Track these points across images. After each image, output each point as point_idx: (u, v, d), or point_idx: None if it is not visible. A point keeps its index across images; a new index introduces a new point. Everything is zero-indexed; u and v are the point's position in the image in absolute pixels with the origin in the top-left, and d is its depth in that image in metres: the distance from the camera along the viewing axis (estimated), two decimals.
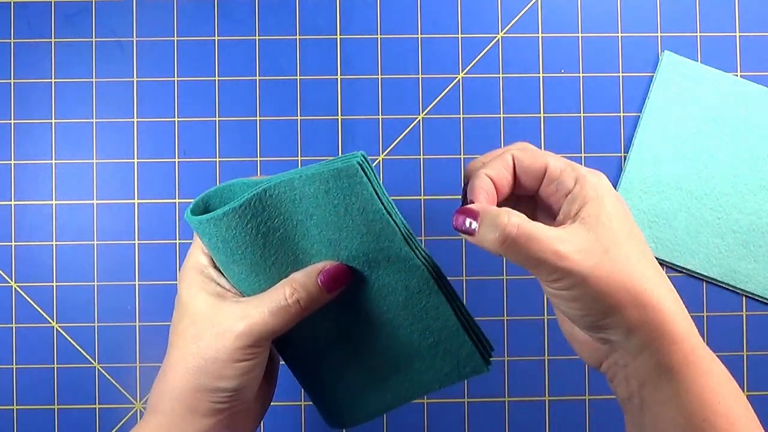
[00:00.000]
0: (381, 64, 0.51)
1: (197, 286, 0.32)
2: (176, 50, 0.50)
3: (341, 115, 0.50)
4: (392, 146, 0.50)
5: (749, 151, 0.50)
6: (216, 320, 0.31)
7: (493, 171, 0.31)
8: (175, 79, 0.50)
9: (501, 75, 0.51)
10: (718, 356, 0.29)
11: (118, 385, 0.49)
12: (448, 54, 0.51)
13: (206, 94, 0.50)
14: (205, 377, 0.30)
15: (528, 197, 0.34)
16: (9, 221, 0.50)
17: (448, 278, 0.33)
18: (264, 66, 0.51)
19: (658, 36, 0.51)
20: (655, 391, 0.28)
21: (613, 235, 0.28)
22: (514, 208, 0.36)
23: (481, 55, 0.51)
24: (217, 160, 0.50)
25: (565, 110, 0.51)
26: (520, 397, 0.50)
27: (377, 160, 0.50)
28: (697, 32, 0.51)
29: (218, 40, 0.51)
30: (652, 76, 0.51)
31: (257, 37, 0.51)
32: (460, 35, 0.51)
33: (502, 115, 0.51)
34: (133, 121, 0.50)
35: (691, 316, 0.29)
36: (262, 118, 0.50)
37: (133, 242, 0.50)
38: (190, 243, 0.36)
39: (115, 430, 0.49)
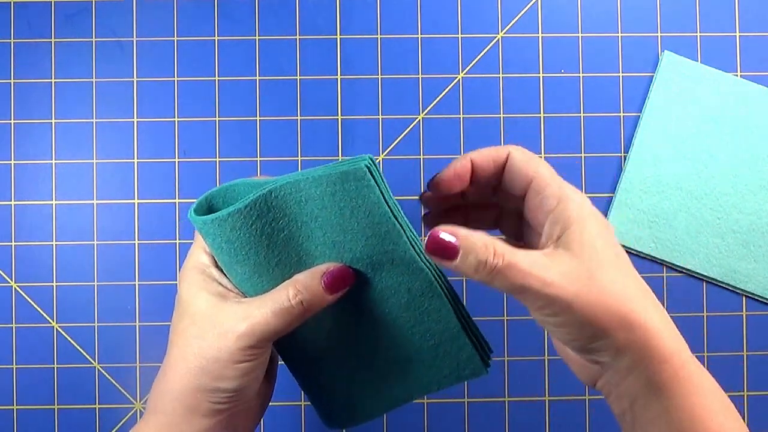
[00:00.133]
0: (381, 64, 0.51)
1: (198, 286, 0.32)
2: (176, 50, 0.50)
3: (341, 115, 0.50)
4: (392, 146, 0.50)
5: (749, 151, 0.50)
6: (218, 320, 0.31)
7: (479, 156, 0.32)
8: (175, 79, 0.50)
9: (501, 75, 0.51)
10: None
11: (118, 385, 0.49)
12: (448, 54, 0.51)
13: (206, 94, 0.50)
14: (206, 377, 0.30)
15: (514, 210, 0.34)
16: (9, 221, 0.50)
17: (449, 278, 0.33)
18: (264, 66, 0.51)
19: (658, 36, 0.51)
20: (646, 408, 0.28)
21: (597, 259, 0.28)
22: (500, 219, 0.36)
23: (481, 55, 0.51)
24: (217, 160, 0.50)
25: (565, 110, 0.51)
26: (520, 397, 0.50)
27: (377, 160, 0.50)
28: (697, 32, 0.51)
29: (218, 40, 0.51)
30: (652, 76, 0.51)
31: (257, 37, 0.51)
32: (460, 35, 0.51)
33: (502, 115, 0.51)
34: (133, 121, 0.50)
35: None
36: (262, 118, 0.50)
37: (133, 242, 0.50)
38: (191, 243, 0.36)
39: (115, 430, 0.49)
